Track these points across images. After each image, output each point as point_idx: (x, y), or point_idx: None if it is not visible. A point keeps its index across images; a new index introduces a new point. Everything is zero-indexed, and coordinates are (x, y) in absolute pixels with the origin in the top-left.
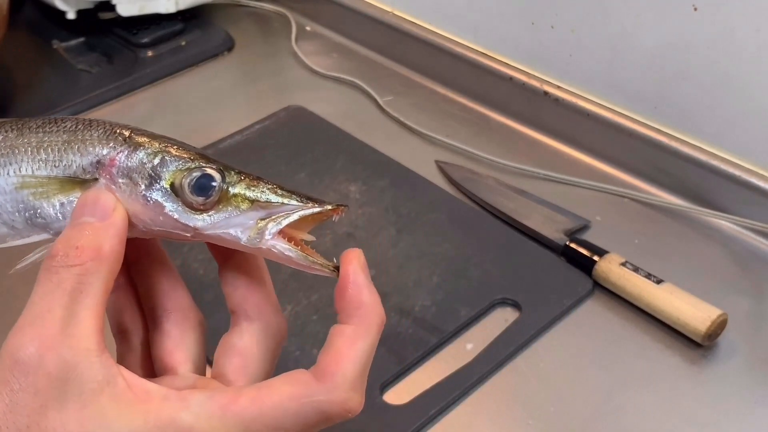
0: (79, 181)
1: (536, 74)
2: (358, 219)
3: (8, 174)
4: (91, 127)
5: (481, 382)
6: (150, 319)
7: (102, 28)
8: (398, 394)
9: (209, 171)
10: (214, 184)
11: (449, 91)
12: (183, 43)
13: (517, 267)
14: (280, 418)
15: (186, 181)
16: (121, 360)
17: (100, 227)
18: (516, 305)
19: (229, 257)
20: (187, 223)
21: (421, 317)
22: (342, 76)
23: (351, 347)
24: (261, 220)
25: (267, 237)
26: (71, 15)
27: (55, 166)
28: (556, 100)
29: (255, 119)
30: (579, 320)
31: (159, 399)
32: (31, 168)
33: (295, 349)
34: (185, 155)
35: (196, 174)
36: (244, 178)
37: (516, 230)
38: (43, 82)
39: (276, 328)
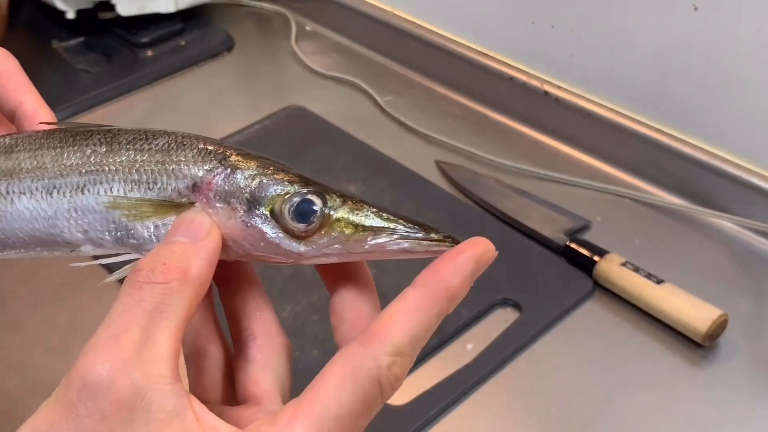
0: (174, 205)
1: (536, 74)
2: None
3: (98, 193)
4: (184, 146)
5: (481, 382)
6: (235, 343)
7: (101, 28)
8: (398, 394)
9: (310, 196)
10: (315, 209)
11: (449, 91)
12: (183, 42)
13: (518, 267)
14: (343, 409)
15: (286, 207)
16: (192, 384)
17: (191, 248)
18: (516, 305)
19: (339, 285)
20: (290, 249)
21: None
22: (342, 76)
23: (407, 312)
24: None
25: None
26: (71, 15)
27: (149, 188)
28: (556, 100)
29: (255, 119)
30: (579, 320)
31: None
32: (123, 189)
33: (294, 350)
34: (285, 178)
35: (297, 199)
36: (347, 201)
37: (516, 230)
38: (42, 82)
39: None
